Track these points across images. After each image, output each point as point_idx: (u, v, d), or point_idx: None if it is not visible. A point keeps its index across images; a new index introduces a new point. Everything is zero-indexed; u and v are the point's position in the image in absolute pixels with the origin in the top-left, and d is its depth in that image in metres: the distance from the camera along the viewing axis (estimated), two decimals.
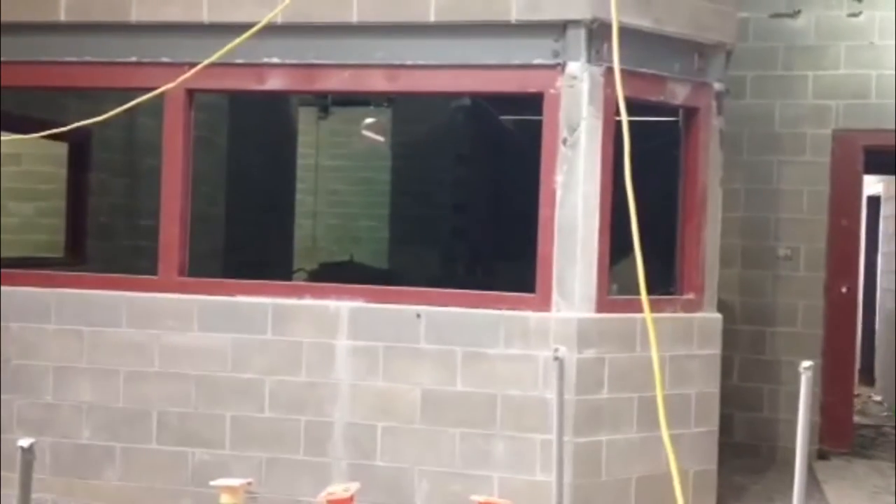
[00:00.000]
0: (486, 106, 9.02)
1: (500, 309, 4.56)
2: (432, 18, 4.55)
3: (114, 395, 4.78)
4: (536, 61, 4.52)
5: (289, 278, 9.25)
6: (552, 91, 4.51)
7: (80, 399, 4.82)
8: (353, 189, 11.53)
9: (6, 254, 7.15)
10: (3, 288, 4.91)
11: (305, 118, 11.15)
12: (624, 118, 2.54)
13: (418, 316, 4.59)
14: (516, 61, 4.57)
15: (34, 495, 4.54)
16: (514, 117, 9.08)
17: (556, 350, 3.79)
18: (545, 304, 4.50)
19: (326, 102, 10.41)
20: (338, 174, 11.54)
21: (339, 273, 8.76)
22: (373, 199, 11.17)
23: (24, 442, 1.99)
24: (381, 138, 9.67)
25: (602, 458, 4.48)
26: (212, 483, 3.57)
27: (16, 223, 7.59)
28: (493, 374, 4.50)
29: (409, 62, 4.64)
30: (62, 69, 4.95)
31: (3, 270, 5.35)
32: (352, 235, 11.39)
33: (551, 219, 4.50)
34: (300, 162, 11.14)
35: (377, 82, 4.78)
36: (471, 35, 4.59)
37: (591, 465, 4.45)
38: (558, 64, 4.49)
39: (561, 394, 3.79)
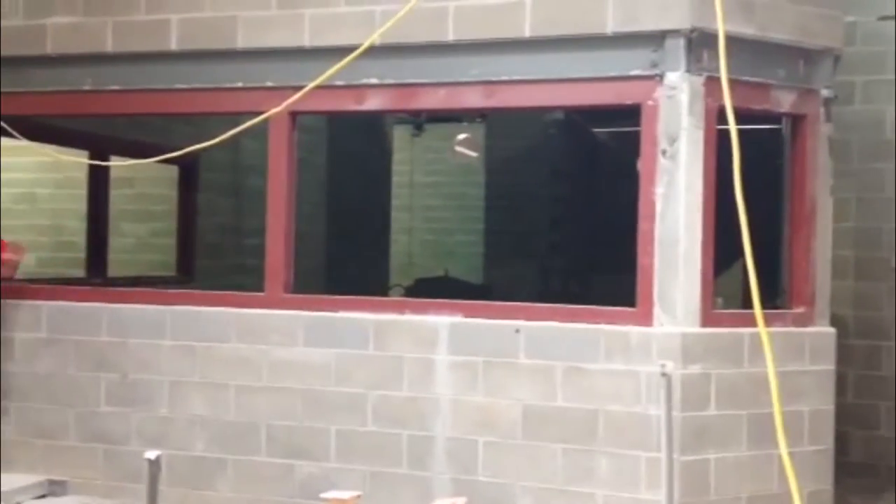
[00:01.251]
0: (580, 119, 8.96)
1: (599, 323, 4.51)
2: (527, 34, 4.57)
3: (224, 409, 4.95)
4: (634, 72, 4.48)
5: (385, 294, 9.41)
6: (650, 102, 4.45)
7: (194, 412, 5.00)
8: (448, 205, 11.62)
9: (122, 273, 7.53)
10: (120, 306, 5.15)
11: (400, 136, 11.32)
12: (732, 127, 2.49)
13: (517, 331, 4.59)
14: (613, 73, 4.53)
15: None
16: (608, 130, 8.99)
17: (663, 366, 3.71)
18: (646, 319, 4.43)
19: (420, 120, 10.55)
20: (432, 190, 11.65)
21: (434, 288, 8.84)
22: (467, 214, 11.23)
23: (151, 454, 2.09)
24: (474, 154, 9.71)
25: (710, 476, 4.36)
26: (322, 495, 3.66)
27: (130, 243, 7.97)
28: (594, 389, 4.45)
29: (504, 78, 4.67)
30: (173, 96, 5.18)
31: (119, 289, 5.64)
32: (447, 251, 11.47)
33: (651, 231, 4.44)
34: (395, 179, 11.31)
35: (473, 99, 4.83)
36: (566, 49, 4.58)
37: (699, 484, 4.33)
38: (656, 74, 4.43)
39: (669, 410, 3.71)
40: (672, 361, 4.03)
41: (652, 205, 4.44)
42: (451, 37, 4.68)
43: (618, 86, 4.53)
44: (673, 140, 4.40)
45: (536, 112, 8.19)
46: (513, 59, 4.64)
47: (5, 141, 5.63)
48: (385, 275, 10.71)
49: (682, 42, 4.38)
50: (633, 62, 4.47)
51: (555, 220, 9.50)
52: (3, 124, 5.30)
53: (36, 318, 5.24)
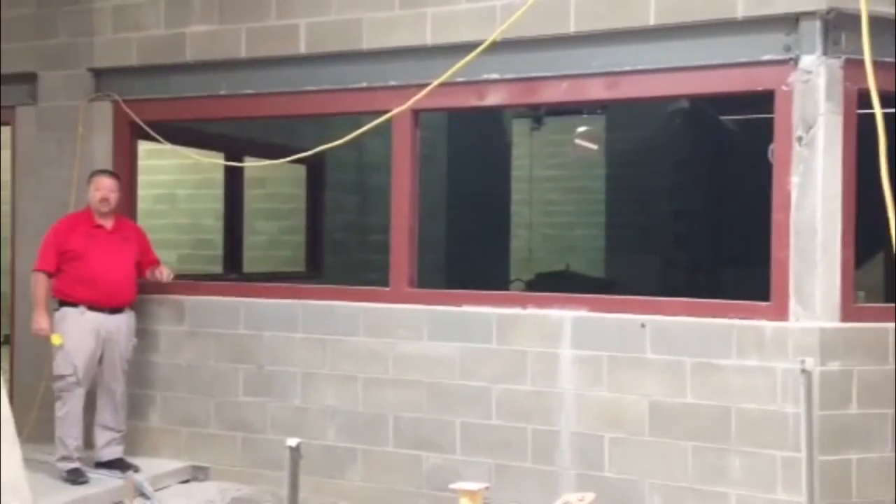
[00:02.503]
0: (706, 107, 8.70)
1: (731, 318, 4.37)
2: (652, 22, 4.47)
3: (354, 400, 5.09)
4: (766, 57, 4.31)
5: (506, 288, 9.42)
6: (784, 88, 4.27)
7: (325, 403, 5.17)
8: (568, 198, 11.54)
9: (255, 269, 7.88)
10: (256, 300, 5.38)
11: (519, 130, 11.31)
12: (878, 111, 2.36)
13: (643, 325, 4.51)
14: (743, 59, 4.38)
15: (284, 492, 4.96)
16: (736, 117, 8.69)
17: (803, 362, 3.55)
18: (781, 313, 4.26)
19: (539, 113, 10.50)
20: (552, 184, 11.60)
21: (555, 282, 8.80)
22: (588, 207, 11.12)
23: (292, 442, 2.18)
24: (594, 146, 9.61)
25: (852, 478, 4.15)
26: (451, 486, 3.70)
27: (262, 241, 8.33)
28: (726, 386, 4.32)
29: (628, 68, 4.58)
30: (301, 98, 5.34)
31: (255, 284, 5.90)
32: (567, 245, 11.39)
33: (786, 222, 4.26)
34: (514, 173, 11.31)
35: (596, 91, 4.77)
36: (693, 35, 4.46)
37: (840, 486, 4.14)
38: (790, 59, 4.25)
39: (810, 408, 3.55)
40: (811, 357, 3.86)
41: (787, 194, 4.26)
42: (572, 28, 4.64)
43: (749, 72, 4.37)
44: (809, 126, 4.21)
45: (660, 102, 8.00)
46: (637, 48, 4.55)
47: (146, 144, 5.98)
48: (505, 269, 10.74)
49: (817, 24, 4.18)
50: (765, 47, 4.30)
51: (680, 212, 9.27)
52: (147, 129, 5.63)
53: (179, 312, 5.54)
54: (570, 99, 4.98)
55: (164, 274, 5.38)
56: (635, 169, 9.75)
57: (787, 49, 4.25)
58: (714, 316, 4.41)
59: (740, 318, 4.34)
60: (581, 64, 4.68)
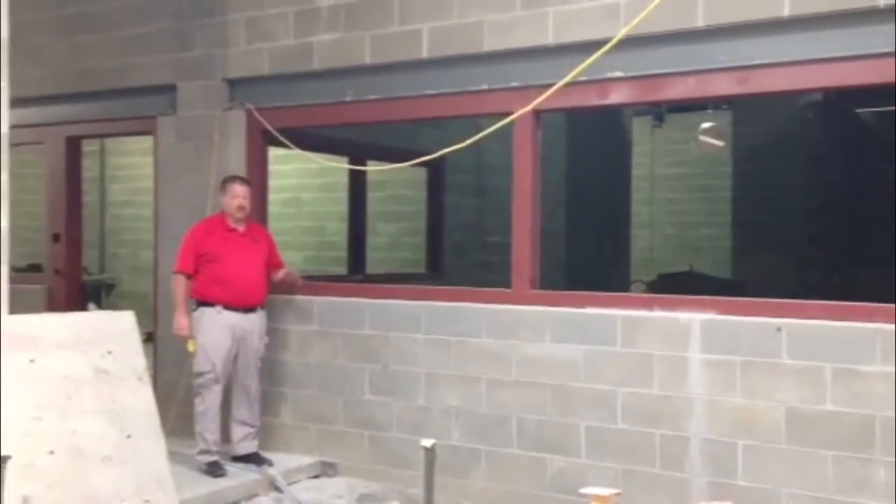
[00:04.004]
0: (841, 100, 8.28)
1: (874, 322, 4.14)
2: (786, 13, 4.30)
3: (477, 401, 5.12)
4: None
5: (626, 289, 9.25)
6: None
7: (449, 403, 5.22)
8: (691, 197, 11.22)
9: (376, 270, 8.05)
10: (381, 301, 5.49)
11: (640, 127, 11.09)
12: None
13: (778, 329, 4.33)
14: (883, 49, 4.14)
15: (410, 490, 5.04)
16: (874, 110, 8.23)
17: None
18: None
19: (661, 110, 10.27)
20: (674, 182, 11.31)
21: (678, 283, 8.56)
22: (712, 206, 10.77)
23: (427, 442, 2.21)
24: (720, 143, 9.31)
25: None
26: (581, 490, 3.67)
27: (383, 242, 8.50)
28: (870, 393, 4.10)
29: (759, 61, 4.42)
30: (424, 102, 5.41)
31: (380, 285, 6.02)
32: (690, 245, 11.08)
33: None
34: (635, 172, 11.10)
35: (725, 86, 4.61)
36: (830, 26, 4.25)
37: None
38: None
39: None
40: None
41: None
42: (700, 23, 4.51)
43: (889, 63, 4.13)
44: None
45: (790, 95, 7.67)
46: (769, 40, 4.38)
47: (273, 150, 6.20)
48: (626, 270, 10.56)
49: None
50: None
51: (813, 210, 8.85)
52: (278, 135, 5.84)
53: (308, 312, 5.72)
54: (697, 95, 4.84)
55: (297, 279, 5.60)
56: (764, 165, 9.37)
57: None
58: (856, 320, 4.19)
59: (884, 322, 4.11)
60: (709, 58, 4.55)
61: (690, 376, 4.53)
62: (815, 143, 8.88)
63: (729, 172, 10.16)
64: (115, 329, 4.14)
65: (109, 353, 4.04)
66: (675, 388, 4.57)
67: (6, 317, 3.83)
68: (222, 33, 5.99)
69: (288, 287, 5.72)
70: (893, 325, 4.07)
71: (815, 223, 8.88)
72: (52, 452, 3.69)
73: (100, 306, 9.24)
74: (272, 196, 6.44)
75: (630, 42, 4.62)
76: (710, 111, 9.37)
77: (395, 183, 8.42)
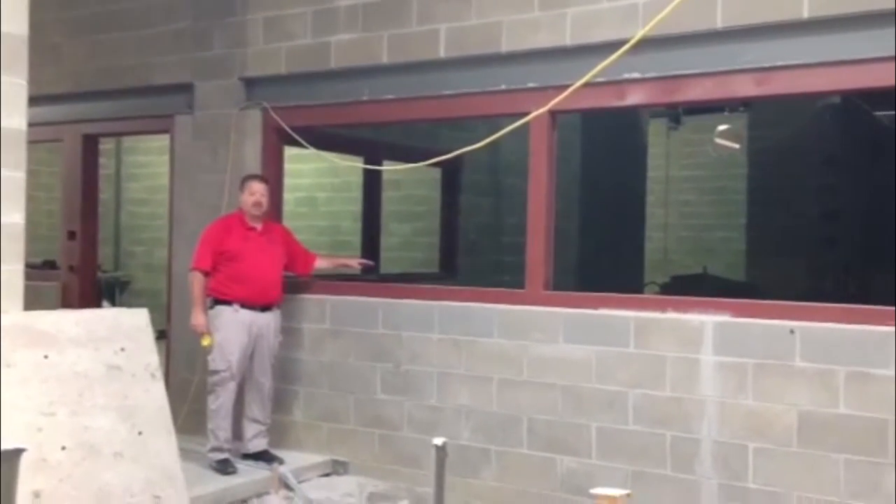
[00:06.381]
0: (859, 102, 8.22)
1: (888, 325, 4.11)
2: (805, 15, 4.27)
3: (488, 401, 5.12)
4: None
5: (640, 291, 9.21)
6: None
7: (460, 403, 5.22)
8: (706, 199, 11.18)
9: (390, 270, 8.06)
10: (394, 300, 5.50)
11: (655, 129, 11.06)
12: None
13: (792, 332, 4.31)
14: None
15: (420, 489, 5.04)
16: (892, 113, 8.17)
17: None
18: None
19: (678, 112, 10.23)
20: (689, 184, 11.27)
21: (692, 285, 8.53)
22: (727, 208, 10.73)
23: (438, 441, 2.21)
24: (736, 145, 9.26)
25: None
26: (592, 491, 3.66)
27: (397, 242, 8.51)
28: (883, 397, 4.07)
29: (779, 63, 4.40)
30: (441, 102, 5.42)
31: (393, 285, 6.02)
32: (705, 247, 11.04)
33: None
34: (650, 174, 11.06)
35: (744, 88, 4.59)
36: (850, 28, 4.23)
37: None
38: None
39: None
40: None
41: None
42: (719, 24, 4.49)
43: None
44: None
45: (808, 97, 7.62)
46: (788, 42, 4.36)
47: (288, 150, 6.23)
48: (640, 271, 10.52)
49: None
50: None
51: (828, 213, 8.78)
52: (294, 135, 5.86)
53: (321, 311, 5.74)
54: (715, 97, 4.83)
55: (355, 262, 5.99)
56: (781, 168, 9.32)
57: None
58: (870, 323, 4.17)
59: None
60: (728, 60, 4.53)
61: (702, 378, 4.52)
62: (831, 146, 8.82)
63: (744, 175, 10.11)
64: (129, 326, 4.15)
65: (122, 349, 4.05)
66: (687, 390, 4.55)
67: (21, 313, 3.86)
68: (241, 33, 6.02)
69: (300, 282, 5.74)
70: None
71: (829, 226, 8.82)
72: (63, 448, 3.71)
73: (114, 303, 9.32)
74: (287, 195, 6.45)
75: (648, 43, 4.57)
76: (726, 113, 9.32)
77: (410, 183, 8.43)
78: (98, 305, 6.92)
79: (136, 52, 6.50)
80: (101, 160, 7.94)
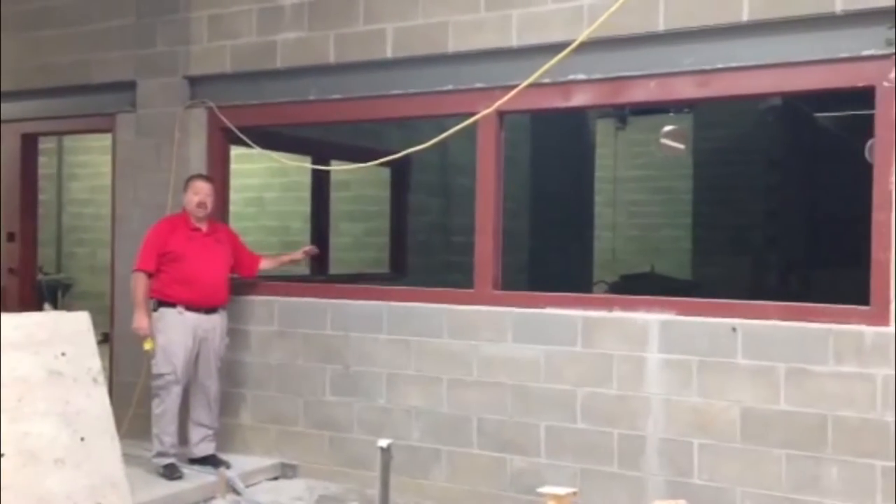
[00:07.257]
0: (800, 104, 8.43)
1: (827, 322, 4.22)
2: (745, 18, 4.36)
3: (438, 401, 5.12)
4: (865, 53, 4.15)
5: (589, 290, 9.32)
6: (886, 84, 4.11)
7: (409, 403, 5.21)
8: (653, 199, 11.36)
9: (340, 271, 8.01)
10: (342, 301, 5.46)
11: (603, 130, 11.20)
12: None
13: (734, 329, 4.40)
14: (842, 54, 4.22)
15: (370, 491, 5.03)
16: (831, 114, 8.39)
17: None
18: (882, 318, 4.10)
19: (625, 113, 10.37)
20: (637, 184, 11.43)
21: (639, 284, 8.67)
22: (674, 208, 10.92)
23: (383, 443, 2.21)
24: (681, 146, 9.42)
25: None
26: (539, 490, 3.69)
27: (347, 242, 8.46)
28: (822, 392, 4.18)
29: (720, 65, 4.48)
30: (389, 102, 5.39)
31: (342, 286, 5.99)
32: (652, 246, 11.21)
33: (887, 223, 4.10)
34: (598, 174, 11.20)
35: (686, 90, 4.67)
36: (788, 31, 4.33)
37: None
38: (893, 54, 4.08)
39: None
40: None
41: (888, 194, 4.10)
42: (661, 27, 4.55)
43: (847, 67, 4.22)
44: None
45: (750, 100, 7.79)
46: (729, 45, 4.44)
47: (235, 149, 6.15)
48: (588, 271, 10.64)
49: None
50: (866, 41, 4.14)
51: (771, 212, 9.01)
52: (240, 134, 5.79)
53: (269, 312, 5.68)
54: (659, 98, 4.89)
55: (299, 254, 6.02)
56: (725, 168, 9.52)
57: (890, 43, 4.08)
58: (809, 320, 4.27)
59: (837, 323, 4.19)
60: (671, 62, 4.60)
61: (648, 376, 4.58)
62: (774, 146, 9.04)
63: (690, 175, 10.30)
64: (70, 330, 4.07)
65: (63, 354, 3.97)
66: (633, 388, 4.61)
67: None
68: (184, 30, 5.92)
69: (246, 283, 5.67)
70: (846, 326, 4.15)
71: (772, 225, 9.04)
72: (2, 455, 3.61)
73: (56, 306, 9.09)
74: (234, 195, 6.37)
75: (593, 45, 4.66)
76: (672, 114, 9.48)
77: (360, 183, 8.40)
78: (39, 309, 6.74)
79: (76, 49, 6.35)
80: (42, 160, 7.75)
